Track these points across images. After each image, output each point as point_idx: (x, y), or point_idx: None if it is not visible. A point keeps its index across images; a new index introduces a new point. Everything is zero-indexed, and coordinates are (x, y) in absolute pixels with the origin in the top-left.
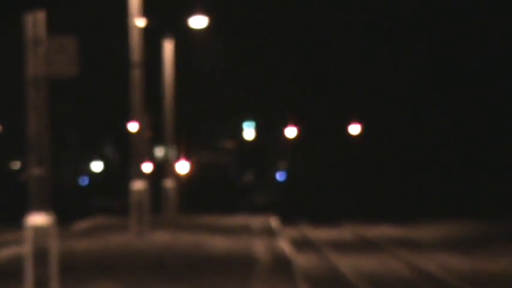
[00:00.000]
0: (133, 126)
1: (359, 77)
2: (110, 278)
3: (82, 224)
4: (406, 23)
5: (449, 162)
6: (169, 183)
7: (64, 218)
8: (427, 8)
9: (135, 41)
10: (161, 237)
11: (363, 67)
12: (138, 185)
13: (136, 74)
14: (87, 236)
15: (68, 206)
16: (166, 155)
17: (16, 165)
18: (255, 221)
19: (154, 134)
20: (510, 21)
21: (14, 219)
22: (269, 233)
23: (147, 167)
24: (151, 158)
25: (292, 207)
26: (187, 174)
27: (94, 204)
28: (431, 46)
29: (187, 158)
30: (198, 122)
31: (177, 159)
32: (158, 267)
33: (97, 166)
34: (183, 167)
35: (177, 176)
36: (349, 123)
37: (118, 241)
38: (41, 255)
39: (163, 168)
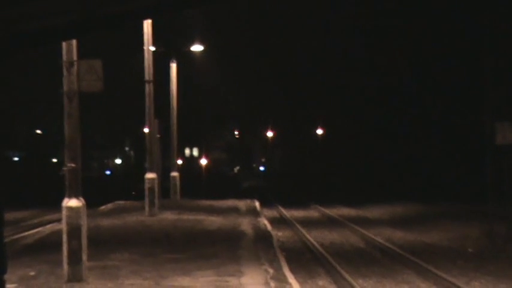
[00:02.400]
0: (146, 130)
1: (324, 93)
2: (127, 249)
3: (107, 207)
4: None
5: (393, 156)
6: (175, 174)
7: (93, 201)
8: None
9: (148, 63)
10: (168, 217)
11: (328, 86)
12: (150, 175)
13: (148, 89)
14: (110, 215)
15: (96, 193)
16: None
17: (54, 160)
18: (242, 204)
19: (163, 136)
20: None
21: (56, 203)
22: (253, 213)
23: (178, 162)
24: (182, 155)
25: (270, 191)
26: (206, 166)
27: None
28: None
29: (206, 155)
30: (202, 126)
31: (200, 156)
32: (165, 240)
33: (117, 161)
34: (203, 161)
35: (200, 168)
36: (316, 127)
37: (134, 219)
38: (74, 231)
39: (190, 162)
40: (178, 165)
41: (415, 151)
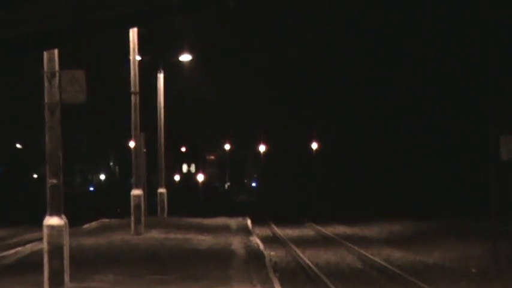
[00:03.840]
0: (132, 144)
1: (318, 105)
2: (111, 270)
3: (90, 225)
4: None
5: (390, 170)
6: (162, 190)
7: (75, 219)
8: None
9: (134, 73)
10: (155, 235)
11: (321, 99)
12: (136, 191)
13: (134, 100)
14: (94, 234)
15: (79, 210)
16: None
17: (35, 175)
18: (233, 222)
19: (149, 151)
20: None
21: (37, 221)
22: (245, 231)
23: (175, 178)
24: (179, 171)
25: (263, 208)
26: (203, 182)
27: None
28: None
29: (203, 171)
30: (194, 141)
31: (197, 172)
32: (152, 260)
33: (101, 176)
34: (200, 177)
35: (196, 184)
36: (310, 141)
37: (119, 238)
38: (56, 250)
39: (187, 178)
40: (175, 181)
41: (415, 165)
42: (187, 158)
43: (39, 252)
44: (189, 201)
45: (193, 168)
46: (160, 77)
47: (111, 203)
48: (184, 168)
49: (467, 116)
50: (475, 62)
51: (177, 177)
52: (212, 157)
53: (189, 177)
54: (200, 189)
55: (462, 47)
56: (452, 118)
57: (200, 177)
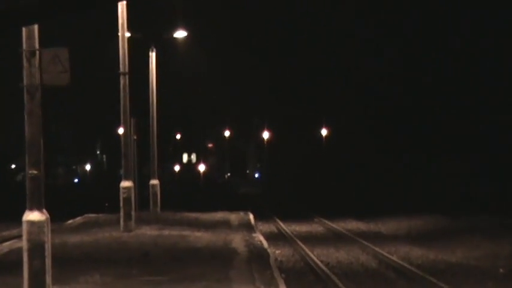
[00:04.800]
0: (121, 131)
1: (329, 87)
2: (98, 270)
3: (75, 221)
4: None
5: (410, 160)
6: (154, 181)
7: (59, 214)
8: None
9: (123, 51)
10: (147, 232)
11: (330, 79)
12: (126, 183)
13: (124, 82)
14: (79, 231)
15: (63, 204)
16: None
17: (13, 166)
18: (234, 217)
19: (140, 136)
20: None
21: (16, 216)
22: (247, 227)
23: (176, 168)
24: (180, 161)
25: (266, 201)
26: (204, 173)
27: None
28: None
29: (204, 161)
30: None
31: (198, 162)
32: (144, 259)
33: (87, 167)
34: (201, 167)
35: (198, 175)
36: (319, 127)
37: (107, 235)
38: (37, 249)
39: (188, 169)
40: (175, 171)
41: (437, 155)
42: (187, 147)
43: (18, 251)
44: (189, 194)
45: (194, 158)
46: (153, 55)
47: (98, 197)
48: (185, 158)
49: (494, 107)
50: None
51: (178, 168)
52: (210, 145)
53: (190, 167)
54: (202, 181)
55: None
56: (476, 107)
57: (202, 168)
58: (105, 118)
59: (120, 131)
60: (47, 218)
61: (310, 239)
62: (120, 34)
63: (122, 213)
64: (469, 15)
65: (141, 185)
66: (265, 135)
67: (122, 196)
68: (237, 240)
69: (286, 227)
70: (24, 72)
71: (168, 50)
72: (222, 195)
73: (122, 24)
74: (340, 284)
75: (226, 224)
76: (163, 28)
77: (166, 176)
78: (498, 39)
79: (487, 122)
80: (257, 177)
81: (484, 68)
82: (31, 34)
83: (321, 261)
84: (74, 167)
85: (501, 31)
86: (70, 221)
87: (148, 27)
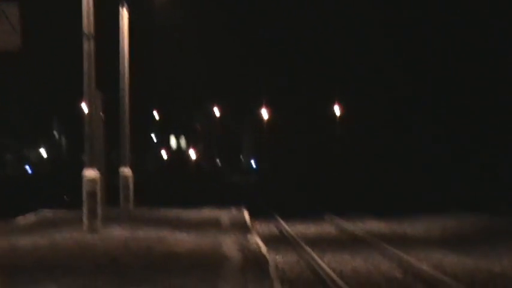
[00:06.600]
0: (85, 107)
1: (340, 56)
2: (55, 280)
3: (27, 218)
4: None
5: (442, 147)
6: (126, 171)
7: (6, 210)
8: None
9: (87, 9)
10: (116, 233)
11: (345, 47)
12: (91, 173)
13: (88, 47)
14: (32, 231)
15: (11, 198)
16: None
17: None
18: (225, 214)
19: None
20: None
21: None
22: (241, 227)
23: (162, 154)
24: (166, 145)
25: (265, 194)
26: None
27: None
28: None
29: (194, 147)
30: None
31: (188, 148)
32: (111, 267)
33: (41, 151)
34: (192, 153)
35: (189, 161)
36: (331, 104)
37: (66, 237)
38: None
39: (178, 155)
40: (162, 159)
41: (474, 142)
42: (175, 129)
43: None
44: (176, 186)
45: (183, 143)
46: (124, 15)
47: (56, 189)
48: (173, 142)
49: None
50: None
51: (166, 155)
52: (198, 127)
53: (180, 154)
54: (193, 169)
55: None
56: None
57: (193, 154)
58: (65, 90)
59: (84, 107)
60: None
61: (320, 243)
62: None
63: (85, 210)
64: None
65: (112, 175)
66: (264, 113)
67: (85, 189)
68: (228, 244)
69: (290, 227)
70: None
71: (144, 9)
72: (210, 187)
73: None
74: None
75: (214, 223)
76: None
77: (149, 164)
78: None
79: None
80: (253, 165)
81: None
82: None
83: (333, 270)
84: (25, 151)
85: None
86: (21, 219)
87: None
